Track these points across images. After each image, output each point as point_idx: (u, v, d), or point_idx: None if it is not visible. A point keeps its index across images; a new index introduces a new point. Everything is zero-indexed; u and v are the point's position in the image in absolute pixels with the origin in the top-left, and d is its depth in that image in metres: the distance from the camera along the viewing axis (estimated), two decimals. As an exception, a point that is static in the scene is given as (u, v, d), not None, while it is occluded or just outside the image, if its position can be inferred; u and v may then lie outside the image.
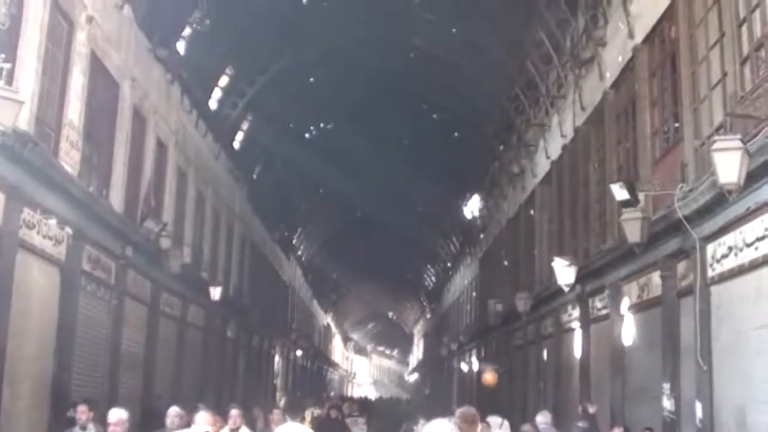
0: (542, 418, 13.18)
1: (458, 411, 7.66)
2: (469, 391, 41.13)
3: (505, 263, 31.20)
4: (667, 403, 13.54)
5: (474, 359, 39.67)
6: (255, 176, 35.02)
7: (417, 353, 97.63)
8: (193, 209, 25.17)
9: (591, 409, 16.03)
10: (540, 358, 24.65)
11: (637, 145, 15.85)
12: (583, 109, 19.92)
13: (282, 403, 38.26)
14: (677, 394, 13.35)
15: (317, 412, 21.91)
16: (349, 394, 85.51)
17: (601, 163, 18.76)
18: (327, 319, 74.75)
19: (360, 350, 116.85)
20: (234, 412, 10.53)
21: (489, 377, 25.32)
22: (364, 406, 39.43)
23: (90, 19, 15.80)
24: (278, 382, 44.78)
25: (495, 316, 29.77)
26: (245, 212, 33.76)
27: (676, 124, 14.09)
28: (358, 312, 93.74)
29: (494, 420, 11.34)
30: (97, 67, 16.56)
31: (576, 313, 20.27)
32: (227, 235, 30.37)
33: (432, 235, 50.81)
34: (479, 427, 7.80)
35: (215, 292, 25.02)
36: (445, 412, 13.23)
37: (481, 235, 38.65)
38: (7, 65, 11.10)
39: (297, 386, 50.76)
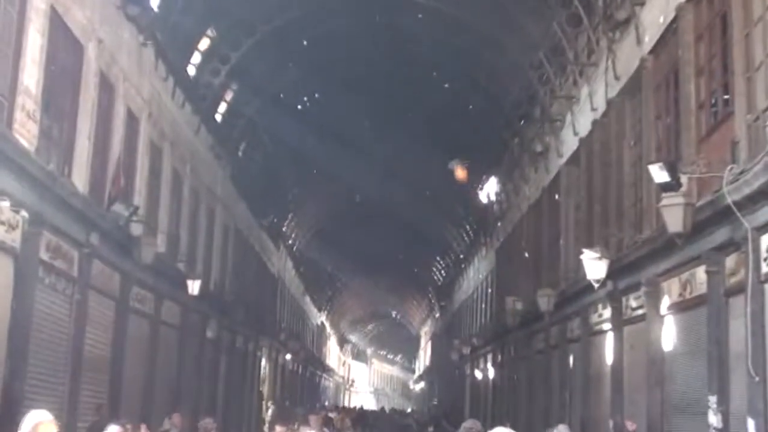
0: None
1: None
2: (483, 402, 41.17)
3: (526, 255, 31.25)
4: (714, 419, 13.49)
5: (489, 365, 39.67)
6: (240, 154, 34.99)
7: (424, 358, 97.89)
8: (169, 191, 25.11)
9: (630, 427, 15.96)
10: (565, 365, 24.67)
11: (679, 120, 15.79)
12: (617, 78, 19.88)
13: (269, 414, 38.33)
14: (725, 409, 13.30)
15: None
16: (346, 404, 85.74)
17: (637, 141, 18.74)
18: (321, 318, 74.91)
19: (358, 354, 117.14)
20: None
21: (460, 172, 25.75)
22: (359, 419, 39.41)
23: (49, -29, 15.66)
24: (265, 389, 44.82)
25: (514, 316, 29.74)
26: (228, 195, 33.72)
27: (726, 96, 13.97)
28: (356, 310, 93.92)
29: None
30: (57, 26, 16.41)
31: (607, 313, 20.26)
32: (208, 221, 30.36)
33: (442, 222, 50.80)
34: None
35: (194, 286, 25.06)
36: (456, 425, 13.19)
37: (499, 223, 38.71)
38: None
39: (286, 395, 50.87)
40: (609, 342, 20.02)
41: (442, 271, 64.66)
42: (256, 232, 41.09)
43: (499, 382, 36.82)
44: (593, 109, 21.89)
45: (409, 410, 75.95)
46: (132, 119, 21.54)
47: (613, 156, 20.36)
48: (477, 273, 47.30)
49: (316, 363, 69.51)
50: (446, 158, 37.77)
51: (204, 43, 27.78)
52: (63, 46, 16.97)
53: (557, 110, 25.78)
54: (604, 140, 21.27)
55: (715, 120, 14.50)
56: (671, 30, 16.29)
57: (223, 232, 33.03)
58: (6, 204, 14.30)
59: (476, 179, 40.11)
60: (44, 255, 16.03)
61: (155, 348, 23.71)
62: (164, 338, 24.60)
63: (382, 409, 72.03)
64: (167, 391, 24.56)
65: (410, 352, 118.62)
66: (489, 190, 39.30)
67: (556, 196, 26.57)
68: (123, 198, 19.81)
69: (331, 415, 25.37)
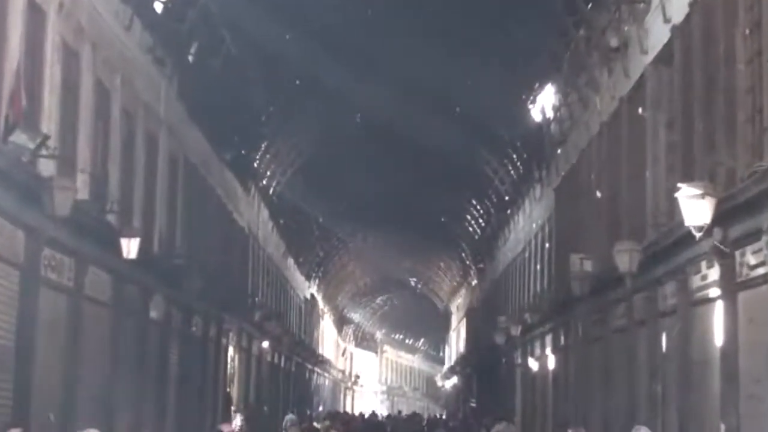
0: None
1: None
2: (541, 402, 41.34)
3: (598, 194, 31.24)
4: None
5: (549, 351, 39.76)
6: (191, 58, 34.80)
7: (456, 343, 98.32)
8: (91, 113, 25.08)
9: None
10: (655, 347, 24.78)
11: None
12: (725, -61, 19.71)
13: (237, 422, 38.40)
14: None
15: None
16: (349, 409, 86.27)
17: (754, 29, 18.54)
18: (311, 290, 75.17)
19: (365, 339, 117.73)
20: None
21: None
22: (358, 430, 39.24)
23: None
24: (234, 390, 44.98)
25: (582, 282, 29.80)
26: (176, 117, 33.73)
27: None
28: (360, 278, 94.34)
29: None
30: None
31: (714, 273, 20.24)
32: (147, 154, 30.46)
33: (479, 151, 50.81)
34: None
35: (130, 247, 24.96)
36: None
37: (558, 151, 38.77)
38: None
39: (264, 397, 51.12)
40: (717, 314, 19.98)
41: (480, 221, 64.77)
42: (217, 168, 41.17)
43: (563, 374, 36.94)
44: (691, -15, 21.77)
45: (439, 416, 76.51)
46: (35, 11, 21.42)
47: (721, 51, 20.22)
48: (529, 221, 47.47)
49: (304, 353, 69.82)
50: (483, 60, 37.63)
51: None
52: None
53: (640, -12, 25.68)
54: (708, 29, 21.15)
55: None
56: None
57: (169, 171, 33.08)
58: None
59: (526, 88, 39.98)
60: None
61: (78, 334, 23.79)
62: (90, 320, 24.71)
63: (394, 414, 72.33)
64: (96, 396, 24.72)
65: (437, 335, 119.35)
66: (544, 103, 39.21)
67: (640, 110, 26.50)
68: (26, 124, 19.76)
69: (317, 425, 25.47)
